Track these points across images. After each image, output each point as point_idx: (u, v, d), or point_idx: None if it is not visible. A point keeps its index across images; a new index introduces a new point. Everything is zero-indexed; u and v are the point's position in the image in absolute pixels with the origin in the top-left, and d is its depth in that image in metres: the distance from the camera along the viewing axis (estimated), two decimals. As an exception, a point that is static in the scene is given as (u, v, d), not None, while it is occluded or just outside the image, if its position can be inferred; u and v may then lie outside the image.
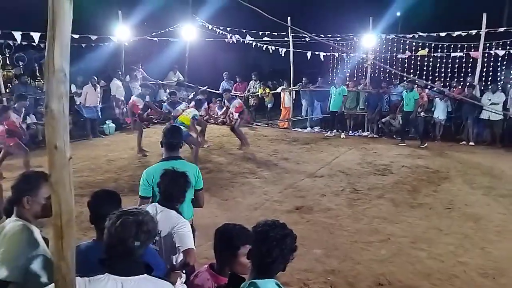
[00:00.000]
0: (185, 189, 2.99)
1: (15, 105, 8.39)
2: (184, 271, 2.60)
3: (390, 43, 12.62)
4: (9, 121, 7.80)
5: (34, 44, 11.14)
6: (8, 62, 11.73)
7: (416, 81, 11.64)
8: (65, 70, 1.53)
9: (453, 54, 11.83)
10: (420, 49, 12.37)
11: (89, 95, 11.76)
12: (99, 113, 12.12)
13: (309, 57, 13.10)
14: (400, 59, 12.38)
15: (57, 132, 1.54)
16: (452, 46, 11.89)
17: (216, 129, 12.89)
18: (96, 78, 12.04)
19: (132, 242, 1.85)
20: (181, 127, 5.83)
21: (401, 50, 12.67)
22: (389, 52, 12.63)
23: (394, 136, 11.97)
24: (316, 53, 13.13)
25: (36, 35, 10.63)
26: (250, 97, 14.64)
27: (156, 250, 2.79)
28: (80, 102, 11.76)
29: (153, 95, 10.84)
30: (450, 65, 11.92)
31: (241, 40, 14.03)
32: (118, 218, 1.89)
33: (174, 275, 2.47)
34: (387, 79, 13.18)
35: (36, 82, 12.03)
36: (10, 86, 11.48)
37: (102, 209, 2.34)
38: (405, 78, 11.70)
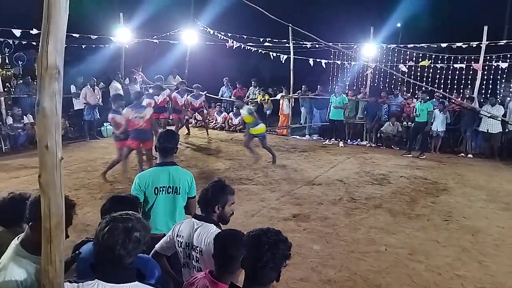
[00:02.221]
0: (223, 201, 2.76)
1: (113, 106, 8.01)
2: None
3: (390, 53, 12.60)
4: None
5: (34, 43, 11.09)
6: (7, 61, 11.68)
7: (436, 92, 11.61)
8: (59, 67, 1.47)
9: (454, 65, 11.81)
10: (420, 60, 12.35)
11: (88, 96, 11.70)
12: (98, 115, 12.05)
13: (312, 65, 13.09)
14: (401, 69, 12.32)
15: (49, 131, 1.49)
16: (452, 57, 11.89)
17: (214, 134, 12.84)
18: (95, 79, 11.99)
19: (119, 250, 1.75)
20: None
21: (401, 61, 12.66)
22: (390, 62, 12.60)
23: (392, 146, 11.93)
24: (318, 60, 13.11)
25: (36, 32, 10.57)
26: (249, 103, 14.59)
27: (200, 269, 2.64)
28: (85, 104, 11.70)
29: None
30: (450, 77, 11.90)
31: (242, 46, 14.00)
32: (107, 224, 1.79)
33: None
34: (387, 89, 13.15)
35: (35, 82, 11.99)
36: (9, 85, 11.43)
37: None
38: (421, 88, 11.63)
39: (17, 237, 2.13)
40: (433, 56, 12.25)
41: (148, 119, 7.63)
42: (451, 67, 11.86)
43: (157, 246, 2.85)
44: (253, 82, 14.69)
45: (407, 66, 12.32)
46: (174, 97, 11.11)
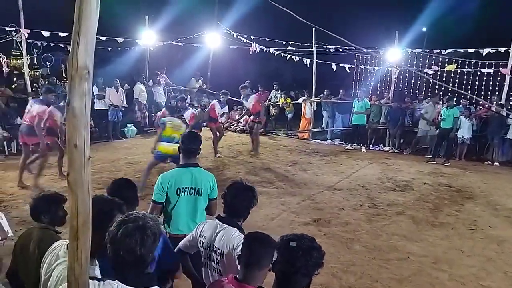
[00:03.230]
0: (251, 205, 2.76)
1: (60, 103, 8.02)
2: None
3: (415, 57, 12.41)
4: (52, 119, 7.61)
5: (62, 45, 11.36)
6: (35, 62, 11.97)
7: (467, 97, 11.34)
8: (88, 68, 1.50)
9: (482, 71, 11.54)
10: (446, 64, 12.12)
11: (112, 97, 11.91)
12: (121, 116, 12.25)
13: (335, 69, 13.00)
14: (426, 74, 12.11)
15: (78, 130, 1.51)
16: (479, 63, 11.63)
17: (235, 137, 12.87)
18: (118, 81, 12.18)
19: (140, 250, 1.76)
20: None
21: (426, 65, 12.44)
22: (414, 67, 12.40)
23: (416, 149, 11.71)
24: (341, 65, 13.02)
25: (63, 34, 10.80)
26: (271, 106, 14.60)
27: (219, 271, 2.65)
28: (110, 105, 11.87)
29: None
30: (477, 82, 11.64)
31: (265, 49, 14.03)
32: (118, 229, 1.79)
33: None
34: (411, 94, 12.95)
35: (62, 83, 12.27)
36: (37, 86, 11.72)
37: (120, 196, 2.46)
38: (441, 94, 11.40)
39: (65, 247, 2.12)
40: (460, 61, 12.03)
41: (33, 116, 7.08)
42: (478, 72, 11.61)
43: (180, 243, 2.89)
44: (275, 86, 14.70)
45: (432, 71, 12.10)
46: (212, 104, 10.53)
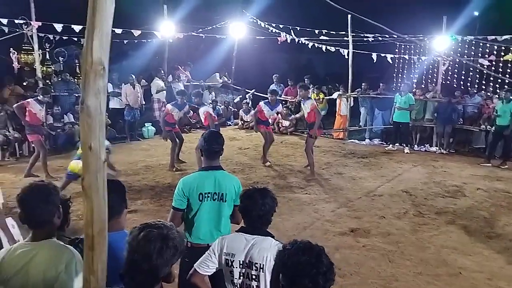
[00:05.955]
0: (273, 208, 2.77)
1: (39, 97, 8.38)
2: None
3: (467, 46, 12.08)
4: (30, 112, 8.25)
5: (75, 39, 11.62)
6: (48, 57, 12.25)
7: None
8: (104, 63, 1.52)
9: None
10: (503, 53, 11.74)
11: (128, 95, 12.12)
12: (138, 115, 12.44)
13: (375, 60, 12.80)
14: (479, 64, 11.75)
15: (93, 131, 1.54)
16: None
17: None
18: (133, 77, 12.34)
19: (156, 259, 1.81)
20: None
21: (479, 55, 12.09)
22: (466, 57, 12.06)
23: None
24: (382, 55, 12.82)
25: (77, 28, 11.00)
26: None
27: (257, 286, 2.61)
28: (126, 105, 12.10)
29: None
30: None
31: (295, 39, 13.93)
32: (140, 231, 1.86)
33: None
34: (462, 88, 12.63)
35: (76, 79, 12.51)
36: (49, 82, 12.02)
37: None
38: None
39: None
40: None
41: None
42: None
43: (196, 265, 2.76)
44: (306, 80, 14.59)
45: (487, 61, 11.72)
46: (258, 106, 10.25)
